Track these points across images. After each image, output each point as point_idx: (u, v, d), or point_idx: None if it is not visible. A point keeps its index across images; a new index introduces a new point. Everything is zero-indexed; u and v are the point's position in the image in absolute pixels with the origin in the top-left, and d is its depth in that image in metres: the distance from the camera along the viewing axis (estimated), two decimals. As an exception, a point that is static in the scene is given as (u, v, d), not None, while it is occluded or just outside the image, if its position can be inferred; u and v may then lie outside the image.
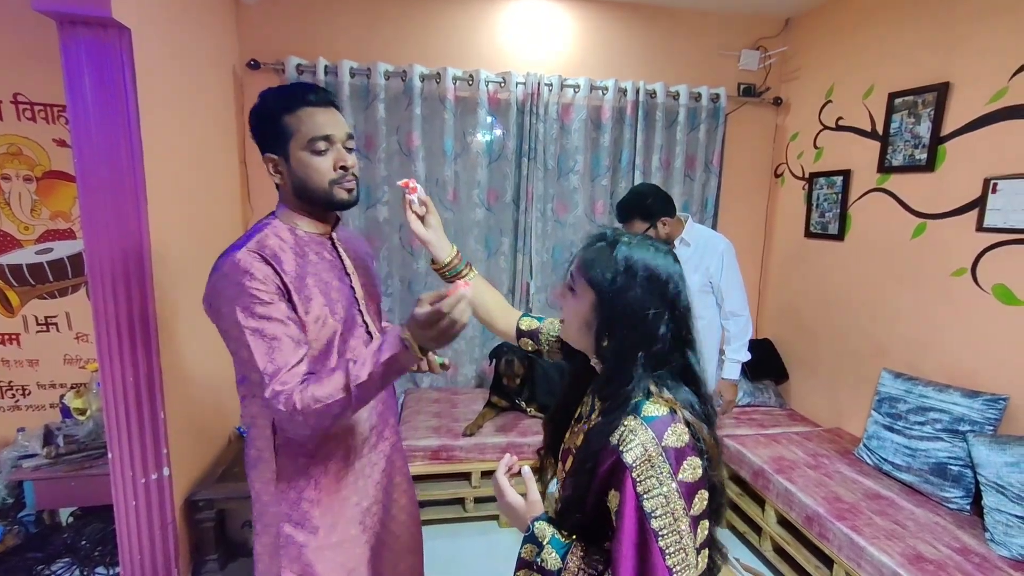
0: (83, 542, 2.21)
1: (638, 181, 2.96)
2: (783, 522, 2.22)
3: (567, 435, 0.98)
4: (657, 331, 0.81)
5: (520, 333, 1.15)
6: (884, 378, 2.31)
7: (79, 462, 2.13)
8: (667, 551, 0.73)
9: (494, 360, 2.75)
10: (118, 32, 1.59)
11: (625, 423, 0.78)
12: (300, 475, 1.09)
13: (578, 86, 2.84)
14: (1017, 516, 1.72)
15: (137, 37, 1.64)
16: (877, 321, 2.51)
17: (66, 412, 2.28)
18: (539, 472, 1.02)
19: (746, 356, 2.27)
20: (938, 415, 2.05)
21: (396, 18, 2.77)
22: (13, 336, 2.42)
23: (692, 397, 0.83)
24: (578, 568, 0.81)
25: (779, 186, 3.22)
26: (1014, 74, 1.96)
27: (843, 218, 2.70)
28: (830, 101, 2.81)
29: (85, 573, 2.10)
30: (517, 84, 2.80)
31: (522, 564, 0.89)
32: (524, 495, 0.93)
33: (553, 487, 1.00)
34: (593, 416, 0.89)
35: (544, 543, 0.85)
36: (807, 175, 2.96)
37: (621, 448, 0.76)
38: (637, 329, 0.81)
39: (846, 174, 2.68)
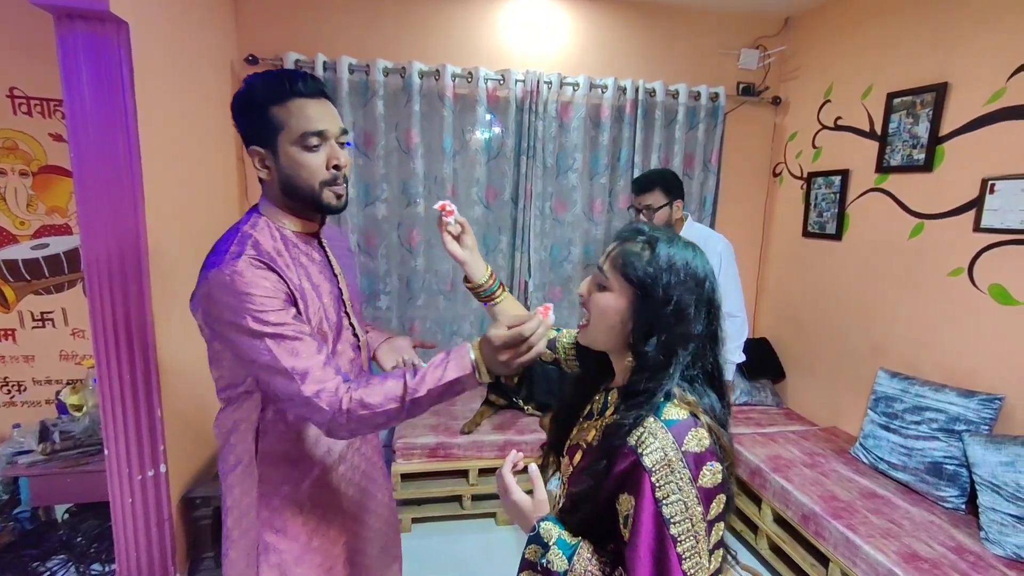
0: (79, 539, 2.20)
1: (637, 180, 2.96)
2: (779, 520, 2.23)
3: (574, 431, 0.97)
4: (695, 329, 0.82)
5: None
6: (880, 377, 2.32)
7: (75, 458, 2.12)
8: (684, 556, 0.73)
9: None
10: (116, 26, 1.58)
11: (645, 425, 0.77)
12: (283, 481, 1.07)
13: (577, 84, 2.84)
14: (1012, 515, 1.73)
15: (135, 31, 1.63)
16: (874, 321, 2.52)
17: (62, 408, 2.28)
18: (541, 469, 1.02)
19: (741, 357, 2.27)
20: (934, 415, 2.06)
21: (396, 15, 2.76)
22: (9, 332, 2.41)
23: (716, 402, 0.83)
24: (584, 570, 0.80)
25: (777, 185, 3.22)
26: (1012, 74, 1.96)
27: (841, 218, 2.71)
28: (829, 101, 2.82)
29: (81, 570, 2.10)
30: (516, 82, 2.79)
31: (526, 565, 0.88)
32: (530, 492, 0.92)
33: (553, 484, 0.99)
34: (608, 412, 0.88)
35: (550, 544, 0.83)
36: (805, 175, 2.96)
37: (640, 451, 0.76)
38: (678, 328, 0.81)
39: (844, 174, 2.68)
